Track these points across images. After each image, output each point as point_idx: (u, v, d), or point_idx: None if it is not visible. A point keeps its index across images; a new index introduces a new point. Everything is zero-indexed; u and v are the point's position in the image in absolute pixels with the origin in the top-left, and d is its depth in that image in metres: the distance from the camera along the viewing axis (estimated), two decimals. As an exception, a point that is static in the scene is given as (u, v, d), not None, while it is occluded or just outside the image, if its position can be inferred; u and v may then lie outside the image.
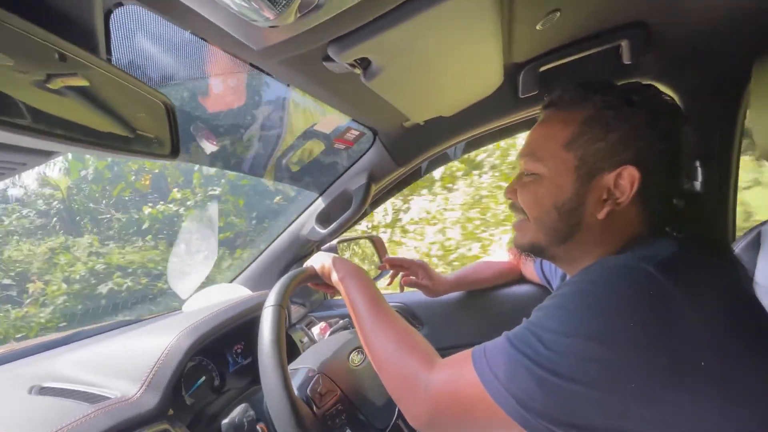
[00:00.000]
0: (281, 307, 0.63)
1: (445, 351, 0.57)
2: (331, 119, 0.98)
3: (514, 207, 0.62)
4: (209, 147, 1.00)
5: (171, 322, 0.78)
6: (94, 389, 0.63)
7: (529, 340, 0.45)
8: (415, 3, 0.49)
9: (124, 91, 0.44)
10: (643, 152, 0.52)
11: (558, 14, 0.68)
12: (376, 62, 0.59)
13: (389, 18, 0.50)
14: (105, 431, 0.52)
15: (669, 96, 0.55)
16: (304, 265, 0.75)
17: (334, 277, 0.70)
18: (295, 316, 1.10)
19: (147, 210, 3.08)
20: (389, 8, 0.49)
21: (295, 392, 0.60)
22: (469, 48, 0.67)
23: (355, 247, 1.15)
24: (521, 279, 1.13)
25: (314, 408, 0.66)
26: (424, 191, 3.14)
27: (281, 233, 1.21)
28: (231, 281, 1.21)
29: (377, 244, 1.16)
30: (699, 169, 0.97)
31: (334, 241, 1.08)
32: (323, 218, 1.17)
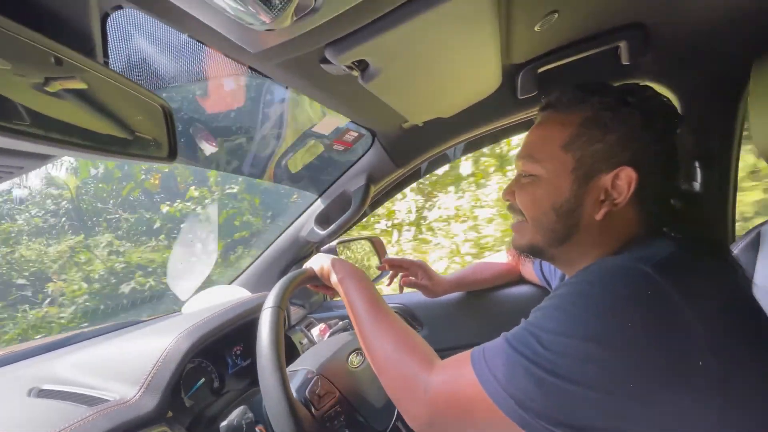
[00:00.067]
0: (280, 309, 0.63)
1: (444, 352, 0.57)
2: (329, 121, 0.98)
3: (512, 208, 0.62)
4: (208, 149, 1.00)
5: (170, 323, 0.78)
6: (93, 392, 0.63)
7: (527, 341, 0.45)
8: (411, 5, 0.49)
9: (122, 94, 0.44)
10: (640, 153, 0.52)
11: (556, 15, 0.68)
12: (374, 64, 0.59)
13: (386, 20, 0.50)
14: None
15: (666, 97, 0.55)
16: (304, 267, 0.75)
17: (334, 279, 0.70)
18: (295, 317, 1.10)
19: (165, 208, 3.06)
20: (386, 11, 0.49)
21: (294, 394, 0.60)
22: (467, 49, 0.67)
23: (354, 248, 1.15)
24: (521, 280, 1.13)
25: (313, 410, 0.66)
26: (451, 188, 3.07)
27: (281, 234, 1.21)
28: (230, 282, 1.21)
29: (377, 245, 1.16)
30: (698, 170, 0.97)
31: (334, 243, 1.08)
32: (322, 219, 1.17)
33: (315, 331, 1.06)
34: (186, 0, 0.38)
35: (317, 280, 0.74)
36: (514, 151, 2.93)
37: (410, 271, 1.01)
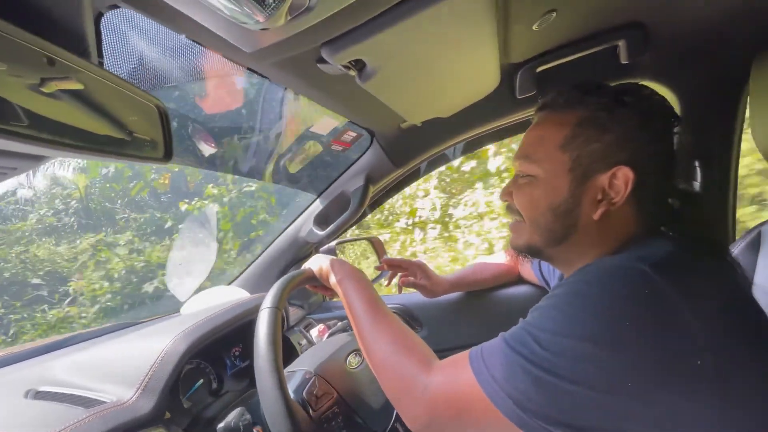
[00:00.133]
0: (277, 309, 0.63)
1: (444, 352, 0.57)
2: (328, 121, 0.98)
3: (509, 209, 0.62)
4: (206, 149, 1.00)
5: (168, 324, 0.78)
6: (90, 393, 0.63)
7: (525, 341, 0.45)
8: (407, 4, 0.49)
9: (116, 94, 0.43)
10: (637, 153, 0.52)
11: (554, 15, 0.68)
12: (371, 64, 0.59)
13: (383, 20, 0.50)
14: None
15: (662, 97, 0.55)
16: (302, 267, 0.75)
17: (332, 279, 0.70)
18: (294, 318, 1.09)
19: (183, 206, 3.04)
20: (382, 10, 0.49)
21: (291, 395, 0.59)
22: (465, 49, 0.67)
23: (353, 248, 1.15)
24: (520, 280, 1.13)
25: (310, 411, 0.66)
26: (478, 185, 3.04)
27: (280, 235, 1.21)
28: (229, 283, 1.21)
29: (376, 245, 1.16)
30: (698, 170, 0.96)
31: (333, 243, 1.07)
32: (321, 220, 1.17)
33: (314, 332, 1.06)
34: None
35: (316, 281, 0.74)
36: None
37: (409, 271, 1.01)
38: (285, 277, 0.69)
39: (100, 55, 0.44)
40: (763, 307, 0.48)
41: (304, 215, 1.19)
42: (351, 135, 1.03)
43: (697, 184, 0.96)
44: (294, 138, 1.09)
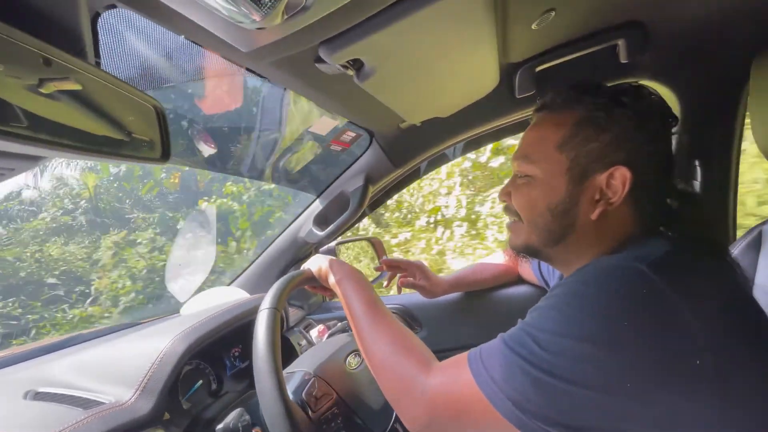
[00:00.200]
0: (276, 310, 0.63)
1: (443, 353, 0.57)
2: (327, 121, 0.98)
3: (507, 210, 0.63)
4: (206, 150, 1.00)
5: (167, 325, 0.78)
6: (89, 394, 0.63)
7: (524, 341, 0.45)
8: (405, 3, 0.49)
9: (113, 95, 0.43)
10: (635, 153, 0.52)
11: (553, 14, 0.68)
12: (369, 63, 0.59)
13: (380, 19, 0.50)
14: None
15: (660, 97, 0.55)
16: (302, 268, 0.75)
17: (331, 280, 0.70)
18: (294, 318, 1.09)
19: (203, 204, 3.02)
20: (379, 9, 0.49)
21: (291, 396, 0.59)
22: (464, 48, 0.67)
23: (353, 249, 1.15)
24: (519, 280, 1.13)
25: (309, 412, 0.65)
26: (507, 181, 3.02)
27: (279, 235, 1.21)
28: (229, 284, 1.21)
29: (376, 245, 1.16)
30: (698, 169, 0.96)
31: (332, 243, 1.07)
32: (321, 220, 1.17)
33: (314, 333, 1.06)
34: (176, -1, 0.38)
35: (315, 282, 0.74)
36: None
37: (408, 271, 1.01)
38: (284, 277, 0.69)
39: (97, 55, 0.44)
40: (764, 307, 0.47)
41: (304, 215, 1.19)
42: (350, 135, 1.03)
43: (697, 184, 0.96)
44: (293, 138, 1.09)
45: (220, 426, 0.64)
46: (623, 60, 0.84)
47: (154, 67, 0.58)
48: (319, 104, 0.80)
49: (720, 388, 0.40)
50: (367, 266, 1.12)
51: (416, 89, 0.78)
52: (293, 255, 1.21)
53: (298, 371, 0.74)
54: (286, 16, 0.38)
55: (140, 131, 0.47)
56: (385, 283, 1.07)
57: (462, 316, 1.13)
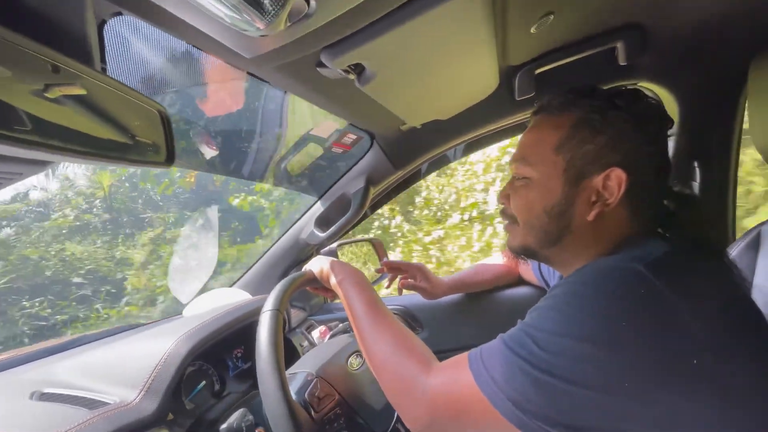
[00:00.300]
0: (279, 312, 0.64)
1: (444, 353, 0.57)
2: (328, 123, 0.98)
3: (503, 213, 0.63)
4: (208, 152, 1.01)
5: (170, 326, 0.78)
6: (94, 395, 0.63)
7: (523, 341, 0.46)
8: (406, 9, 0.49)
9: (119, 100, 0.44)
10: (630, 154, 0.53)
11: (552, 17, 0.68)
12: (370, 68, 0.59)
13: (381, 24, 0.50)
14: None
15: (656, 99, 0.56)
16: (303, 269, 0.76)
17: (333, 281, 0.70)
18: (295, 319, 1.10)
19: (234, 201, 2.98)
20: (380, 15, 0.49)
21: (293, 396, 0.60)
22: (464, 52, 0.68)
23: (354, 250, 1.15)
24: (520, 281, 1.13)
25: (312, 412, 0.66)
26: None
27: (281, 237, 1.22)
28: (231, 285, 1.22)
29: (377, 247, 1.17)
30: (697, 170, 0.97)
31: (334, 245, 1.08)
32: (322, 222, 1.18)
33: (315, 334, 1.07)
34: (181, 7, 0.39)
35: (317, 283, 0.74)
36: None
37: (409, 273, 1.01)
38: (286, 279, 0.70)
39: (103, 61, 0.45)
40: (762, 308, 0.48)
41: (305, 217, 1.20)
42: (351, 137, 1.04)
43: (696, 185, 0.97)
44: (295, 141, 1.10)
45: (223, 426, 0.65)
46: (622, 62, 0.84)
47: (159, 73, 0.59)
48: (320, 107, 0.81)
49: (719, 388, 0.40)
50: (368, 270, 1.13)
51: (417, 92, 0.78)
52: (295, 256, 1.22)
53: (300, 372, 0.74)
54: (288, 24, 0.38)
55: (145, 135, 0.48)
56: (386, 285, 1.07)
57: (463, 316, 1.14)
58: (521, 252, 0.62)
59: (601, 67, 0.88)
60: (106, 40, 0.44)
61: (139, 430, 0.58)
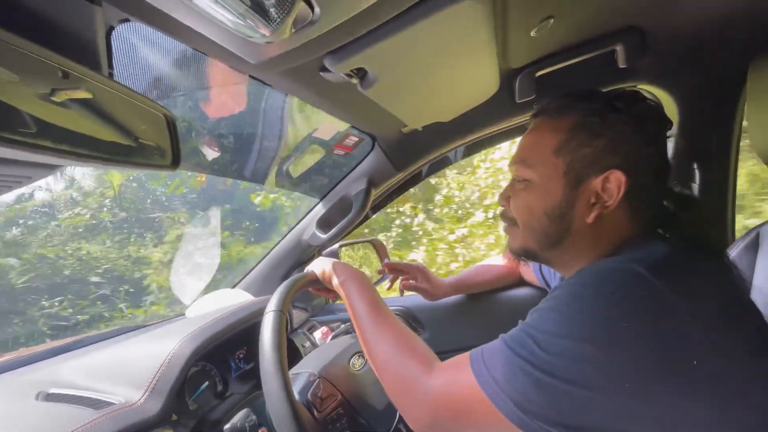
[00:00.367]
0: (282, 313, 0.64)
1: (445, 354, 0.57)
2: (330, 126, 0.99)
3: (503, 215, 0.64)
4: (211, 154, 1.02)
5: (174, 327, 0.79)
6: (99, 395, 0.64)
7: (525, 342, 0.46)
8: (408, 15, 0.50)
9: (126, 105, 0.45)
10: (630, 156, 0.53)
11: (552, 21, 0.69)
12: (372, 72, 0.60)
13: (383, 30, 0.51)
14: None
15: (655, 102, 0.56)
16: (305, 270, 0.76)
17: (335, 282, 0.71)
18: (297, 320, 1.10)
19: (257, 198, 2.95)
20: (383, 20, 0.50)
21: (296, 397, 0.60)
22: (465, 55, 0.68)
23: (355, 251, 1.16)
24: (521, 282, 1.14)
25: (315, 412, 0.67)
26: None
27: (283, 238, 1.22)
28: (233, 286, 1.22)
29: (378, 248, 1.17)
30: (697, 172, 0.97)
31: (335, 246, 1.08)
32: (324, 223, 1.18)
33: (317, 334, 1.07)
34: (188, 14, 0.40)
35: (319, 284, 0.75)
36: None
37: (410, 274, 1.02)
38: (289, 280, 0.70)
39: (110, 66, 0.46)
40: (761, 308, 0.48)
41: (307, 218, 1.21)
42: (353, 139, 1.04)
43: (695, 187, 0.97)
44: (297, 143, 1.10)
45: (227, 426, 0.66)
46: (622, 65, 0.85)
47: (164, 77, 0.59)
48: (322, 110, 0.81)
49: (720, 388, 0.40)
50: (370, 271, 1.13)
51: (418, 95, 0.79)
52: (297, 258, 1.22)
53: (303, 372, 0.75)
54: (293, 30, 0.39)
55: (151, 139, 0.48)
56: (387, 286, 1.08)
57: (464, 317, 1.14)
58: (522, 254, 0.62)
59: (600, 69, 0.89)
60: (113, 46, 0.45)
61: (144, 431, 0.58)
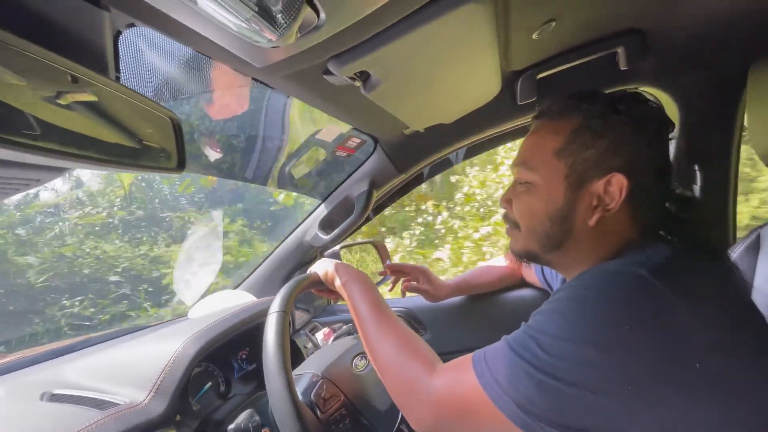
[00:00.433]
0: (285, 314, 0.65)
1: (447, 355, 0.57)
2: (333, 128, 1.00)
3: (506, 218, 0.64)
4: (214, 156, 1.02)
5: (177, 328, 0.79)
6: (104, 396, 0.64)
7: (528, 344, 0.46)
8: (411, 19, 0.50)
9: (133, 108, 0.45)
10: (631, 159, 0.53)
11: (553, 24, 0.69)
12: (375, 75, 0.61)
13: (387, 34, 0.52)
14: None
15: (657, 104, 0.56)
16: (308, 272, 0.77)
17: (337, 283, 0.71)
18: (299, 321, 1.11)
19: (279, 196, 2.93)
20: (387, 25, 0.50)
21: (299, 397, 0.61)
22: (467, 58, 0.69)
23: (357, 252, 1.16)
24: (523, 283, 1.14)
25: (318, 413, 0.67)
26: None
27: (285, 240, 1.23)
28: (236, 287, 1.23)
29: (380, 249, 1.17)
30: (698, 173, 0.97)
31: (337, 247, 1.09)
32: (326, 224, 1.19)
33: (319, 335, 1.08)
34: (194, 19, 0.40)
35: (321, 285, 0.75)
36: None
37: (412, 275, 1.02)
38: (291, 281, 0.71)
39: (117, 70, 0.46)
40: (762, 309, 0.48)
41: (309, 220, 1.21)
42: (355, 141, 1.05)
43: (697, 188, 0.97)
44: (299, 144, 1.11)
45: (231, 426, 0.66)
46: (623, 67, 0.85)
47: (170, 81, 0.60)
48: (325, 113, 0.82)
49: (721, 389, 0.41)
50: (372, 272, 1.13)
51: (421, 98, 0.79)
52: (299, 259, 1.22)
53: (306, 373, 0.75)
54: (299, 35, 0.39)
55: (157, 142, 0.49)
56: (389, 288, 1.08)
57: (466, 318, 1.14)
58: (524, 256, 0.62)
59: (602, 71, 0.89)
60: (120, 50, 0.46)
61: (148, 431, 0.58)
